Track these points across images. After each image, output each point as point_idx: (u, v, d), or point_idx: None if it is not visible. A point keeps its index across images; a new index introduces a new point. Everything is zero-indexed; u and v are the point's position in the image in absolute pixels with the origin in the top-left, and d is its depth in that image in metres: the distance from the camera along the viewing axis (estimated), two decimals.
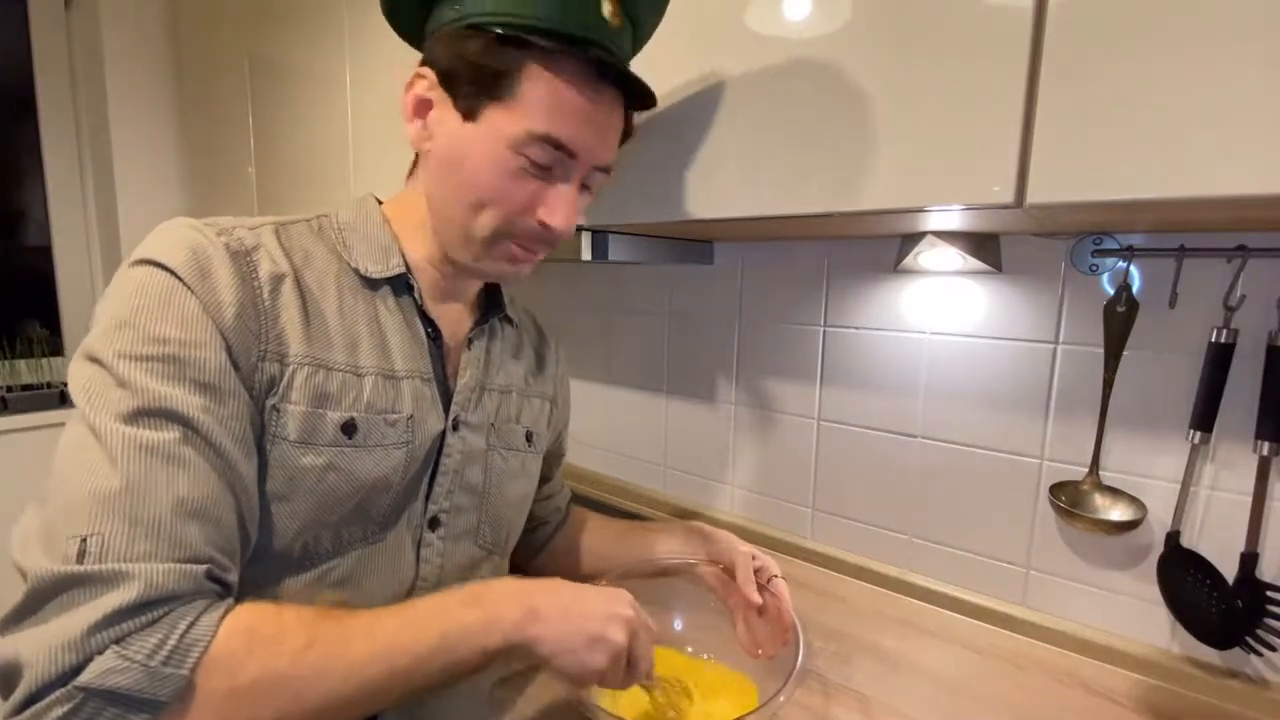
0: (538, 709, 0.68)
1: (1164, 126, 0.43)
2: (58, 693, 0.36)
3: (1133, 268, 0.71)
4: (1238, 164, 0.41)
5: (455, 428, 0.60)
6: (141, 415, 0.42)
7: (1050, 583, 0.81)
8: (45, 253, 1.65)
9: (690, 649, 0.73)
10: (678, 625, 0.74)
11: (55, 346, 1.66)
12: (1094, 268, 0.74)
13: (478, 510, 0.63)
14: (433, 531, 0.59)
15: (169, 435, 0.42)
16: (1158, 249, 0.69)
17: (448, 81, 0.53)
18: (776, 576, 0.67)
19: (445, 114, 0.54)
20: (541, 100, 0.51)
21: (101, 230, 1.71)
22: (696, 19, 0.65)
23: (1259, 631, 0.66)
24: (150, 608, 0.38)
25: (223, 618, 0.41)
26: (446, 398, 0.60)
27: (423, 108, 0.56)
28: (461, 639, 0.46)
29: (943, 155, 0.52)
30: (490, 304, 0.68)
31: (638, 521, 0.85)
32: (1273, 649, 0.66)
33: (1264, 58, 0.40)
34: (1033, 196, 0.48)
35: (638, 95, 0.55)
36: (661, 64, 0.68)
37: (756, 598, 0.66)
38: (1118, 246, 0.71)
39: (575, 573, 0.70)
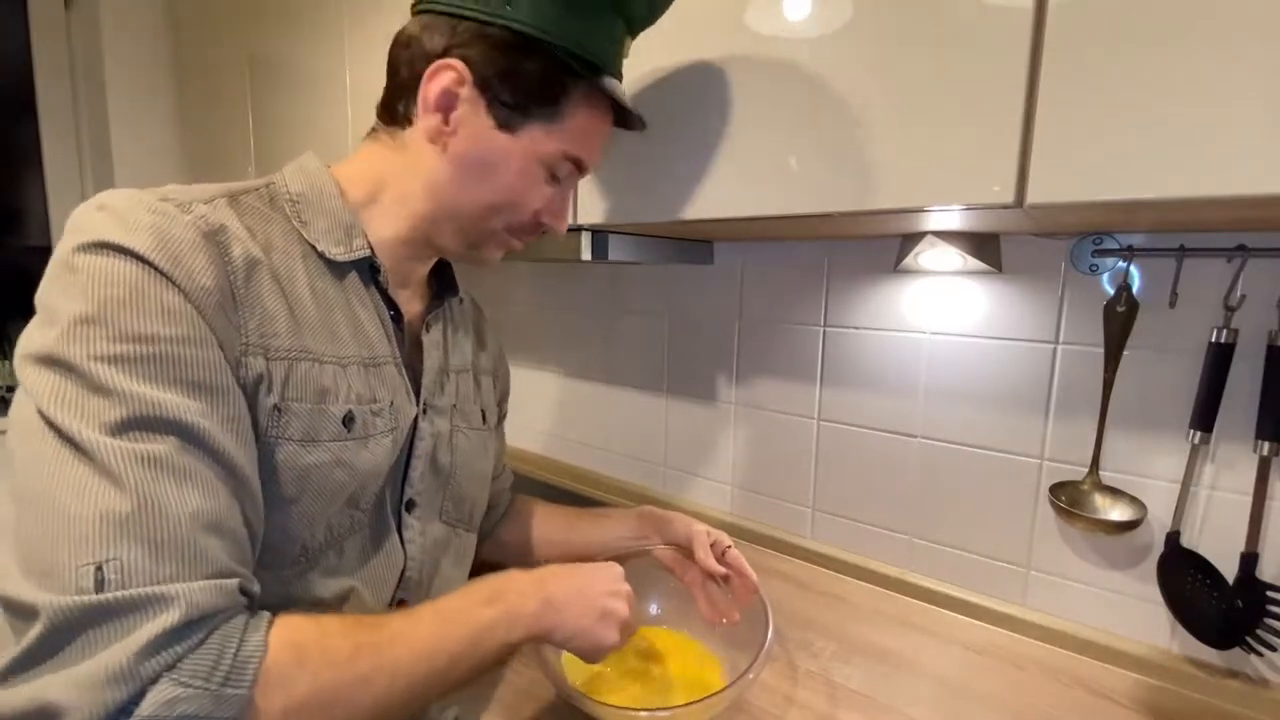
0: (527, 698, 0.68)
1: (1164, 126, 0.43)
2: None
3: (1133, 268, 0.71)
4: (1238, 164, 0.41)
5: (424, 412, 0.61)
6: (133, 425, 0.38)
7: (1050, 583, 0.81)
8: (44, 253, 1.65)
9: (666, 628, 0.77)
10: (654, 609, 0.78)
11: None
12: (1094, 268, 0.74)
13: (443, 489, 0.64)
14: (409, 514, 0.60)
15: (168, 445, 0.38)
16: (1158, 249, 0.69)
17: (485, 85, 0.52)
18: (730, 547, 0.71)
19: (475, 115, 0.53)
20: (581, 129, 0.56)
21: None
22: (696, 18, 0.65)
23: (1259, 631, 0.66)
24: (194, 629, 0.36)
25: (267, 630, 0.39)
26: (413, 382, 0.60)
27: (447, 101, 0.53)
28: (488, 636, 0.48)
29: (943, 155, 0.52)
30: (441, 284, 0.68)
31: (588, 508, 0.85)
32: (1273, 649, 0.66)
33: (1264, 57, 0.40)
34: (1033, 196, 0.48)
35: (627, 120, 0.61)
36: (661, 63, 0.68)
37: (720, 568, 0.70)
38: (1118, 246, 0.71)
39: (528, 562, 0.72)
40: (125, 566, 0.35)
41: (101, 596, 0.34)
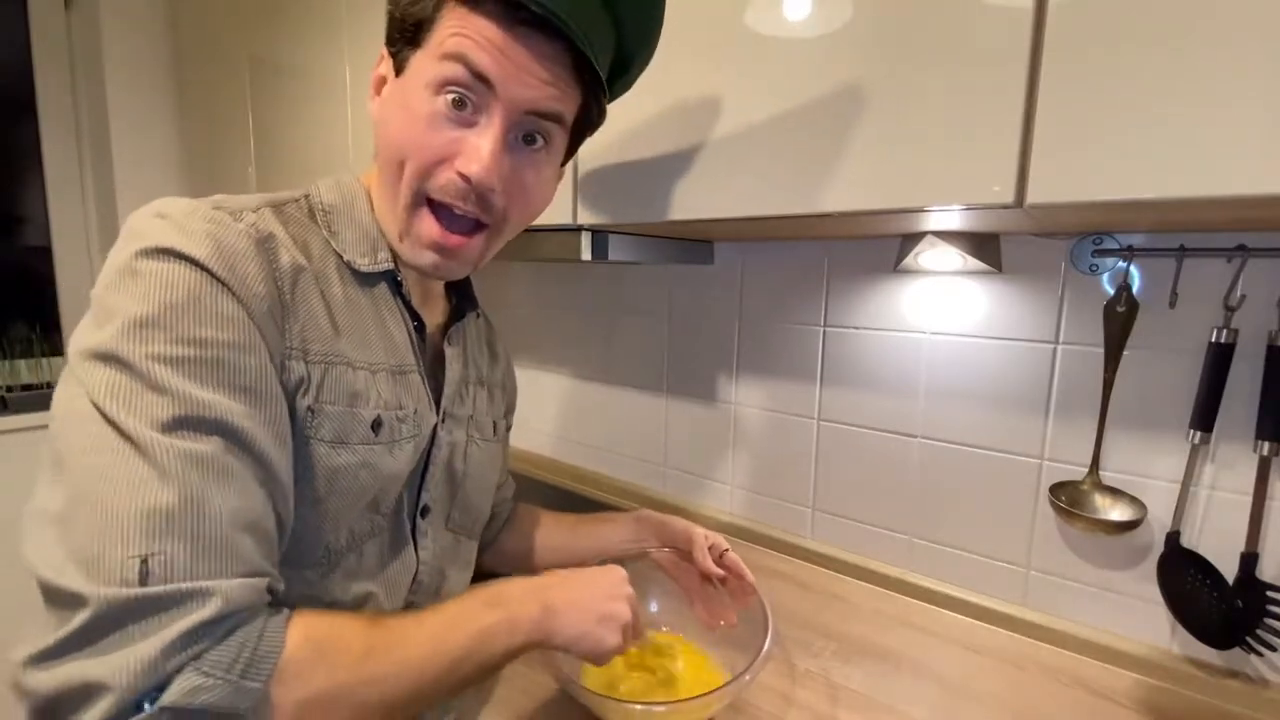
0: (527, 697, 0.68)
1: (1164, 126, 0.43)
2: (139, 717, 0.35)
3: (1133, 268, 0.71)
4: (1238, 164, 0.41)
5: (443, 421, 0.62)
6: (184, 424, 0.39)
7: (1050, 583, 0.81)
8: (44, 253, 1.65)
9: (665, 628, 0.78)
10: (653, 608, 0.79)
11: (55, 346, 1.66)
12: (1094, 268, 0.74)
13: (452, 497, 0.65)
14: (424, 519, 0.61)
15: (214, 445, 0.40)
16: (1158, 249, 0.69)
17: (390, 49, 0.53)
18: (728, 550, 0.72)
19: (390, 81, 0.54)
20: (452, 29, 0.48)
21: (101, 230, 1.71)
22: (697, 18, 0.65)
23: (1259, 631, 0.66)
24: (223, 623, 0.38)
25: (286, 627, 0.40)
26: (434, 392, 0.61)
27: (380, 84, 0.55)
28: (490, 641, 0.49)
29: (943, 155, 0.52)
30: (461, 296, 0.69)
31: (587, 515, 0.85)
32: (1273, 649, 0.66)
33: (1264, 57, 0.40)
34: (1033, 196, 0.48)
35: (592, 67, 0.50)
36: (662, 63, 0.68)
37: (717, 570, 0.70)
38: (1118, 246, 0.71)
39: (529, 570, 0.72)
40: (169, 561, 0.36)
41: (147, 590, 0.35)
